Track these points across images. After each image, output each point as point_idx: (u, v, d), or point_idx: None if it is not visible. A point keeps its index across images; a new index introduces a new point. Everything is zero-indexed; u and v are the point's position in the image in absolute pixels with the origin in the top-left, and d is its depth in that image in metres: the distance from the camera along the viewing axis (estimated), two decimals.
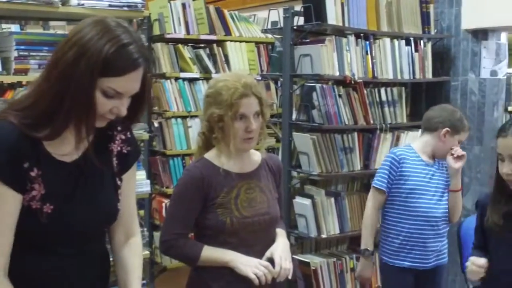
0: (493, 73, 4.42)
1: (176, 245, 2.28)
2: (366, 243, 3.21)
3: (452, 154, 3.08)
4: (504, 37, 4.53)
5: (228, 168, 2.31)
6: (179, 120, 4.62)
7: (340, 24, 3.79)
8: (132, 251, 1.85)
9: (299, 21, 3.86)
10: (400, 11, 4.10)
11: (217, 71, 4.62)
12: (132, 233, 1.86)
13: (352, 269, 3.98)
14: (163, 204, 4.50)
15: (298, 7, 3.85)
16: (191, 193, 2.26)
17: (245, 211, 2.29)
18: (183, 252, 2.29)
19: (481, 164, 4.39)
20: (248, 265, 2.22)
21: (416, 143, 3.30)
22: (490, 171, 4.40)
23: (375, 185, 3.20)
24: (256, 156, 2.42)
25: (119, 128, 1.72)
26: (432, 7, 4.35)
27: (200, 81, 4.66)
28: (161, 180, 4.63)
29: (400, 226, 3.15)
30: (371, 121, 3.93)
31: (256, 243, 2.31)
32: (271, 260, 2.27)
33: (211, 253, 2.26)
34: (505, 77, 4.56)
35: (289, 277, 2.31)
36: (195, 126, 4.53)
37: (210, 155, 2.34)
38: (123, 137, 1.73)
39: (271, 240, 2.36)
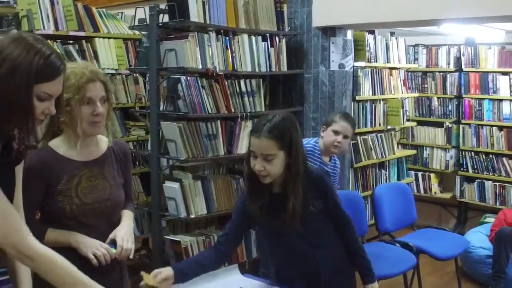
0: (341, 66, 4.90)
1: None
2: None
3: None
4: (349, 34, 5.03)
5: (71, 156, 2.38)
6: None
7: (202, 21, 4.06)
8: None
9: (164, 18, 4.11)
10: (257, 10, 4.45)
11: None
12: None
13: None
14: None
15: (163, 5, 4.08)
16: (31, 181, 2.25)
17: (85, 198, 2.36)
18: None
19: None
20: (89, 246, 2.32)
21: (320, 142, 3.86)
22: (341, 154, 4.91)
23: None
24: (103, 143, 2.50)
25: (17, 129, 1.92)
26: (285, 6, 4.72)
27: None
28: None
29: None
30: (233, 110, 4.25)
31: (98, 225, 2.40)
32: (114, 241, 2.39)
33: (54, 235, 2.32)
34: (351, 69, 5.07)
35: (131, 257, 2.45)
36: None
37: (53, 143, 2.38)
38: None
39: (116, 222, 2.48)
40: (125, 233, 2.44)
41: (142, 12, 4.29)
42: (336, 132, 3.77)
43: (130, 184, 2.70)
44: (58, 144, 2.39)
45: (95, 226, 2.40)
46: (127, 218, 2.55)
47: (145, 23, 4.19)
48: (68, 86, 2.25)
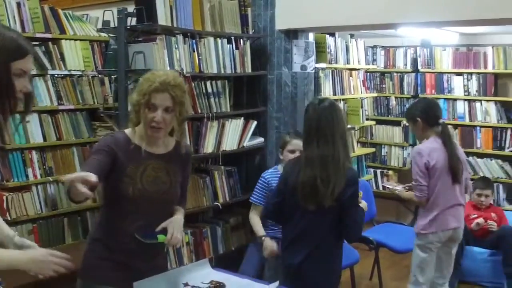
0: (303, 67, 5.05)
1: None
2: (258, 232, 4.05)
3: None
4: (311, 36, 5.18)
5: (141, 145, 2.65)
6: (17, 115, 4.70)
7: (170, 24, 4.16)
8: None
9: (132, 21, 4.19)
10: (222, 13, 4.57)
11: (53, 68, 4.76)
12: None
13: (188, 243, 4.42)
14: (4, 198, 4.61)
15: (130, 8, 4.15)
16: (102, 150, 2.58)
17: (148, 186, 2.63)
18: None
19: None
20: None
21: (279, 167, 4.19)
22: None
23: (251, 200, 4.18)
24: (172, 142, 2.76)
25: None
26: (250, 10, 4.84)
27: (37, 78, 4.76)
28: (1, 173, 4.72)
29: None
30: (199, 111, 4.36)
31: (153, 213, 2.64)
32: (165, 229, 2.62)
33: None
34: (313, 71, 5.22)
35: (177, 246, 2.79)
36: (33, 121, 4.67)
37: (129, 131, 2.69)
38: None
39: (168, 215, 2.71)
40: (176, 223, 2.68)
41: (108, 14, 4.36)
42: (292, 151, 4.05)
43: (187, 184, 2.94)
44: (133, 133, 2.67)
45: (149, 213, 2.64)
46: (180, 213, 2.81)
47: (113, 26, 4.25)
48: (140, 90, 2.58)
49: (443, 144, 4.07)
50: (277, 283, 2.75)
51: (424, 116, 4.12)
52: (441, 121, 4.16)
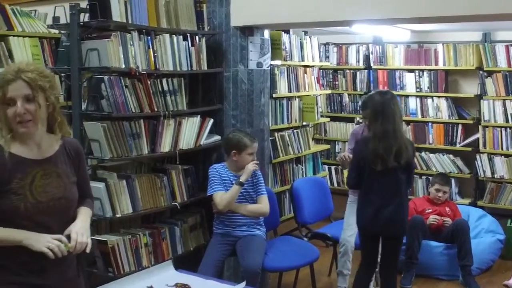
0: (259, 64, 5.02)
1: None
2: (241, 182, 4.36)
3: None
4: (267, 33, 5.15)
5: (23, 154, 2.37)
6: None
7: (124, 21, 4.06)
8: None
9: (85, 17, 4.08)
10: (177, 9, 4.49)
11: (1, 66, 4.63)
12: None
13: (146, 244, 4.33)
14: None
15: (83, 4, 4.03)
16: None
17: (40, 197, 2.35)
18: None
19: None
20: (40, 241, 2.29)
21: (227, 163, 4.49)
22: (260, 149, 5.04)
23: (211, 193, 4.35)
24: (56, 142, 2.49)
25: None
26: (205, 6, 4.77)
27: None
28: None
29: None
30: (155, 109, 4.27)
31: (53, 225, 2.39)
32: (68, 237, 2.37)
33: (3, 234, 2.31)
34: (269, 68, 5.20)
35: (87, 251, 2.43)
36: None
37: (3, 142, 2.36)
38: None
39: (70, 220, 2.47)
40: (79, 227, 2.44)
41: (57, 10, 4.23)
42: (251, 154, 4.40)
43: (86, 181, 2.72)
44: (9, 143, 2.36)
45: (49, 225, 2.39)
46: (84, 214, 2.57)
47: (65, 22, 4.12)
48: None
49: None
50: (243, 284, 2.71)
51: None
52: None
